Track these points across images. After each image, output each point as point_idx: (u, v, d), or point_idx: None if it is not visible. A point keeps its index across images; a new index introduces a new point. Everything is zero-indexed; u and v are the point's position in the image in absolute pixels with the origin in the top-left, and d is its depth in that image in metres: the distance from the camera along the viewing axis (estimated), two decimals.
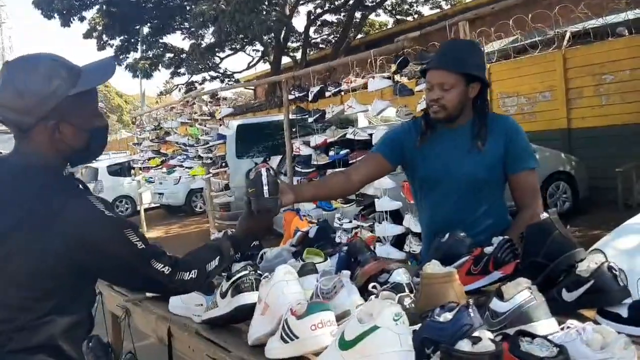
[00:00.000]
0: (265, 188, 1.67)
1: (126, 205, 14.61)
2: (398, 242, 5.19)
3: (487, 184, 2.20)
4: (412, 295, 1.47)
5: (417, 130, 2.28)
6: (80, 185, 1.41)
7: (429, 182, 2.28)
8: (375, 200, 5.23)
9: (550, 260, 1.62)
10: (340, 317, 1.44)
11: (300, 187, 2.29)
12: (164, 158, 9.60)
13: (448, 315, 1.19)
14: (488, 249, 1.81)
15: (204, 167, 8.14)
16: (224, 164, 8.01)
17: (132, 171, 11.37)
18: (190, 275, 1.47)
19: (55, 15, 16.71)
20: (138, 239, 1.37)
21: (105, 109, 44.59)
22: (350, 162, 5.80)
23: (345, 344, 1.18)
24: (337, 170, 2.18)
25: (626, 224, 3.50)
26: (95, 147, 1.47)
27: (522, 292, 1.31)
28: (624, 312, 1.43)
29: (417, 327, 1.28)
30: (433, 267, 1.53)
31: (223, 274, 1.78)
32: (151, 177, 10.14)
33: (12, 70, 1.34)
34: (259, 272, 1.69)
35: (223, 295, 1.66)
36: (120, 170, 14.38)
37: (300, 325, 1.31)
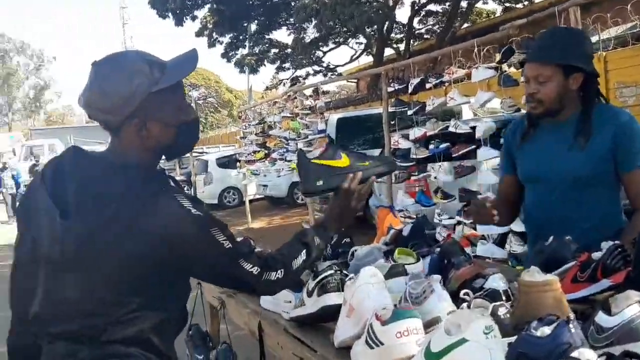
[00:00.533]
0: (301, 172, 1.66)
1: (233, 196, 15.17)
2: (502, 240, 4.97)
3: (592, 182, 2.02)
4: (508, 304, 1.36)
5: (522, 129, 2.18)
6: (172, 183, 1.43)
7: (529, 181, 2.18)
8: (478, 196, 5.03)
9: None
10: (429, 324, 1.37)
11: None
12: (267, 151, 9.83)
13: (546, 330, 1.08)
14: (596, 255, 1.65)
15: None
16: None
17: (238, 164, 11.75)
18: (277, 276, 1.45)
19: (170, 14, 17.62)
20: (225, 238, 1.36)
21: (216, 104, 46.63)
22: (453, 155, 5.64)
23: (431, 356, 1.11)
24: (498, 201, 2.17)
25: None
26: (185, 142, 1.47)
27: (632, 306, 1.17)
28: None
29: (512, 339, 1.19)
30: (532, 273, 1.41)
31: (311, 271, 1.75)
32: (256, 170, 10.44)
33: (98, 70, 1.36)
34: (344, 272, 1.65)
35: (310, 294, 1.64)
36: (229, 162, 14.91)
37: (385, 331, 1.25)
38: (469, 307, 1.31)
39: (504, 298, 1.47)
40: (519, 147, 2.17)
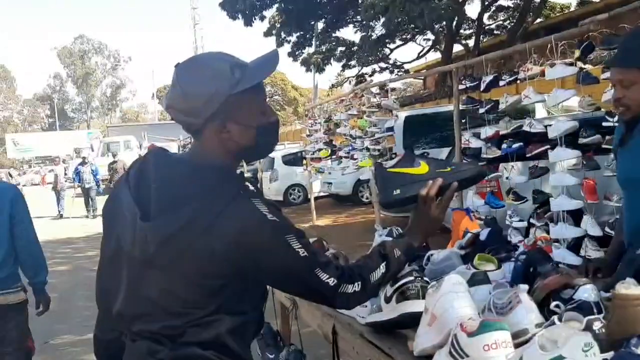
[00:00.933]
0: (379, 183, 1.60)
1: (298, 193, 15.30)
2: (576, 245, 4.75)
3: None
4: (601, 318, 1.28)
5: (620, 133, 2.11)
6: (251, 187, 1.43)
7: (624, 185, 2.11)
8: (551, 198, 4.84)
9: None
10: (515, 336, 1.31)
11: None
12: (333, 149, 9.84)
13: None
14: None
15: (371, 159, 8.18)
16: (392, 156, 7.98)
17: (304, 161, 11.83)
18: (354, 289, 1.39)
19: (239, 15, 17.93)
20: (301, 246, 1.33)
21: (281, 102, 47.20)
22: (527, 155, 5.44)
23: None
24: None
25: None
26: (265, 144, 1.46)
27: None
28: None
29: (608, 355, 1.12)
30: (628, 286, 1.32)
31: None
32: (321, 168, 10.48)
33: (181, 72, 1.37)
34: (425, 279, 1.60)
35: (387, 300, 1.60)
36: (294, 159, 15.05)
37: (472, 343, 1.20)
38: (560, 320, 1.24)
39: (595, 311, 1.39)
40: (618, 152, 2.12)
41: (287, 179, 15.07)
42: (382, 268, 1.45)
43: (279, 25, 18.93)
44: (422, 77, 21.68)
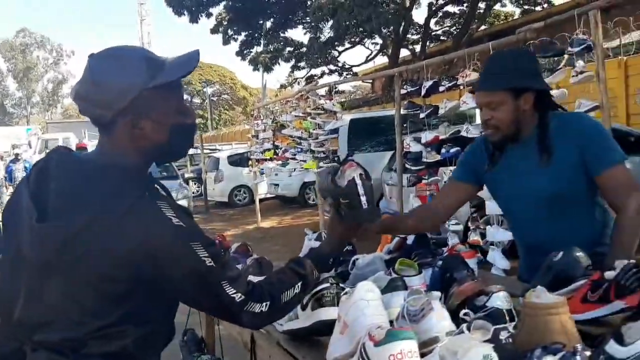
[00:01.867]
0: (363, 198, 1.47)
1: (244, 195, 15.14)
2: (512, 248, 4.86)
3: (570, 196, 1.99)
4: (512, 325, 1.27)
5: (487, 151, 2.15)
6: (160, 189, 1.36)
7: (508, 204, 2.18)
8: (486, 201, 4.93)
9: None
10: (427, 344, 1.28)
11: (393, 219, 2.28)
12: (278, 150, 9.78)
13: None
14: (609, 274, 1.56)
15: (315, 161, 8.16)
16: (335, 159, 7.98)
17: (249, 162, 11.72)
18: (261, 308, 1.31)
19: (185, 12, 17.64)
20: (208, 255, 1.25)
21: (230, 101, 46.75)
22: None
23: None
24: (423, 205, 2.26)
25: None
26: (179, 145, 1.39)
27: None
28: None
29: None
30: (539, 294, 1.32)
31: None
32: (266, 169, 10.39)
33: (94, 63, 1.30)
34: (341, 285, 1.56)
35: (303, 308, 1.56)
36: (240, 160, 14.88)
37: (378, 353, 1.17)
38: (468, 328, 1.22)
39: (507, 318, 1.38)
40: (489, 172, 2.14)
41: (232, 180, 14.89)
42: (297, 288, 1.39)
43: (226, 23, 18.71)
44: (370, 81, 21.89)
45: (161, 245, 1.22)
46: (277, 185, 13.15)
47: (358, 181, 1.49)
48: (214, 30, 19.20)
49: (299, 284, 1.40)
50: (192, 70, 1.38)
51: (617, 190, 1.94)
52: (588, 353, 1.07)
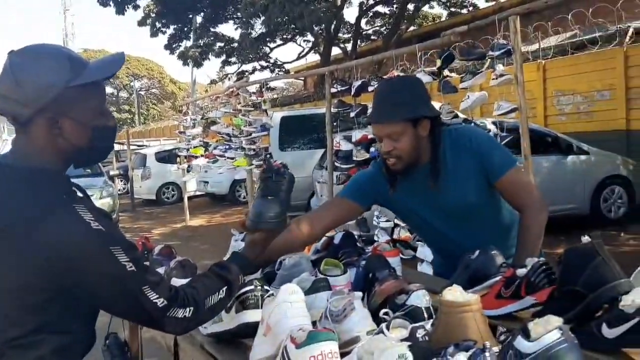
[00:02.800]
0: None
1: (172, 192, 14.84)
2: None
3: (475, 205, 2.08)
4: (427, 325, 1.32)
5: (385, 176, 2.14)
6: (78, 192, 1.31)
7: (415, 222, 2.26)
8: None
9: (590, 290, 1.44)
10: (349, 344, 1.31)
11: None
12: (207, 147, 9.63)
13: (462, 357, 1.04)
14: (521, 271, 1.64)
15: (246, 159, 8.10)
16: (266, 156, 7.95)
17: (178, 159, 11.48)
18: (184, 314, 1.28)
19: (111, 2, 17.04)
20: (128, 260, 1.22)
21: (159, 95, 45.61)
22: None
23: None
24: (300, 216, 2.08)
25: None
26: (99, 148, 1.36)
27: (551, 333, 1.14)
28: None
29: None
30: (454, 292, 1.37)
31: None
32: (195, 166, 10.22)
33: (14, 59, 1.25)
34: (266, 287, 1.57)
35: (227, 310, 1.55)
36: (168, 157, 14.56)
37: (299, 355, 1.18)
38: (388, 327, 1.25)
39: (426, 316, 1.43)
40: (391, 195, 2.14)
41: (160, 177, 14.56)
42: (221, 293, 1.37)
43: (154, 15, 18.22)
44: (303, 78, 21.94)
45: (80, 252, 1.18)
46: (206, 182, 12.97)
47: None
48: (141, 23, 18.65)
49: (224, 289, 1.38)
50: (115, 73, 1.36)
51: (516, 193, 2.05)
52: (496, 349, 1.12)
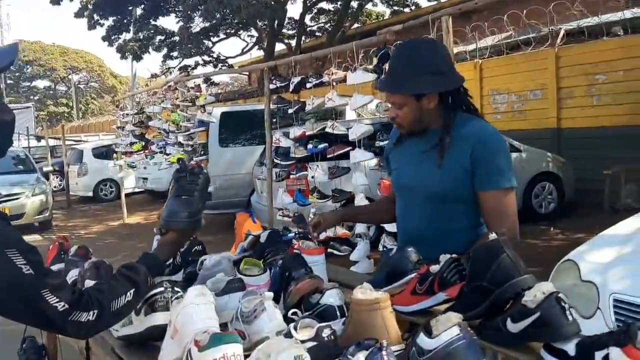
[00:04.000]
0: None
1: (110, 189, 14.43)
2: (377, 239, 5.11)
3: (453, 198, 1.98)
4: (334, 324, 1.32)
5: (397, 134, 2.16)
6: None
7: (397, 191, 2.20)
8: (356, 197, 5.09)
9: (496, 285, 1.48)
10: (258, 344, 1.30)
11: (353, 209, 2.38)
12: (145, 143, 9.42)
13: (360, 357, 1.05)
14: (434, 268, 1.67)
15: (184, 154, 7.97)
16: (203, 152, 7.85)
17: (115, 155, 11.17)
18: (87, 317, 1.24)
19: None
20: (26, 262, 1.17)
21: (99, 89, 44.25)
22: (328, 156, 5.67)
23: None
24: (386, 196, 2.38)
25: (602, 235, 3.37)
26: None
27: (450, 329, 1.16)
28: (571, 349, 1.29)
29: None
30: (364, 290, 1.38)
31: None
32: (133, 162, 9.97)
33: None
34: (176, 289, 1.53)
35: (137, 312, 1.51)
36: (106, 153, 14.17)
37: (201, 358, 1.16)
38: (295, 327, 1.25)
39: (338, 314, 1.43)
40: (392, 151, 2.21)
41: (97, 174, 14.13)
42: (129, 295, 1.33)
43: (91, 7, 17.61)
44: (247, 73, 21.74)
45: None
46: (145, 179, 12.66)
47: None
48: (78, 14, 17.99)
49: (132, 291, 1.34)
50: (8, 66, 1.29)
51: (492, 213, 1.94)
52: (398, 347, 1.13)
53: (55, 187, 15.06)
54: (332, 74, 5.43)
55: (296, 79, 5.82)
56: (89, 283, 1.84)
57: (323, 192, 5.76)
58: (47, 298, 1.19)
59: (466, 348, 1.15)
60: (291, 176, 5.99)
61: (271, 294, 1.40)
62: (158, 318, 1.46)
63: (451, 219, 2.01)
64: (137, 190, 13.57)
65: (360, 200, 4.97)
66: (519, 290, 1.42)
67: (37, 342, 2.41)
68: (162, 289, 1.50)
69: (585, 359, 1.26)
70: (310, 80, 5.78)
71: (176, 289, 1.52)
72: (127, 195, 11.30)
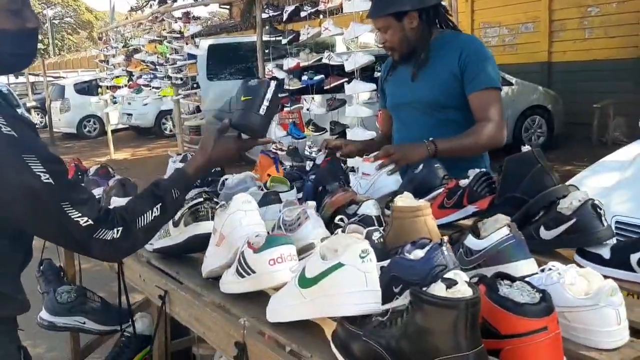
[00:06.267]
0: (265, 103, 1.36)
1: (94, 125, 14.21)
2: None
3: (447, 105, 2.12)
4: (381, 229, 1.34)
5: (391, 64, 2.31)
6: None
7: (393, 110, 2.34)
8: (347, 129, 5.08)
9: (529, 196, 1.51)
10: (304, 251, 1.32)
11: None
12: (131, 77, 9.21)
13: (419, 253, 1.07)
14: (463, 182, 1.70)
15: (173, 88, 7.83)
16: (194, 85, 7.71)
17: (99, 90, 10.92)
18: (112, 235, 1.15)
19: None
20: (45, 171, 1.07)
21: (74, 24, 42.78)
22: (325, 88, 5.61)
23: (305, 282, 1.06)
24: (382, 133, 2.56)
25: (602, 161, 3.44)
26: (17, 54, 1.20)
27: (500, 230, 1.19)
28: (605, 253, 1.34)
29: (385, 263, 1.17)
30: (405, 199, 1.40)
31: None
32: (118, 97, 9.78)
33: None
34: (215, 200, 1.54)
35: (176, 224, 1.52)
36: (88, 88, 13.87)
37: (257, 259, 1.18)
38: (343, 232, 1.27)
39: (376, 224, 1.45)
40: (386, 80, 2.33)
41: (80, 110, 13.86)
42: (155, 211, 1.24)
43: None
44: (228, 7, 21.12)
45: None
46: (130, 115, 12.48)
47: (271, 87, 1.39)
48: None
49: (158, 206, 1.25)
50: None
51: (482, 108, 2.07)
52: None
53: (37, 123, 14.76)
54: (328, 1, 5.30)
55: (290, 8, 5.69)
56: (116, 200, 1.84)
57: (319, 124, 5.74)
58: (69, 212, 1.10)
59: (516, 247, 1.18)
60: (285, 109, 5.94)
61: (314, 203, 1.41)
62: (200, 228, 1.47)
63: (447, 127, 2.11)
64: (120, 126, 13.38)
65: (357, 131, 4.97)
66: (553, 199, 1.45)
67: (54, 264, 2.42)
68: (201, 199, 1.50)
69: (620, 261, 1.31)
70: (304, 9, 5.65)
71: (215, 199, 1.53)
72: (111, 132, 11.12)
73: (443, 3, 4.12)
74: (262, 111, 1.37)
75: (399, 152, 1.97)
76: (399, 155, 1.95)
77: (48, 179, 1.08)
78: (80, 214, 1.11)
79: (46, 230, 1.16)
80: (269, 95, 1.38)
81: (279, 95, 1.41)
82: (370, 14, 2.20)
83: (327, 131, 5.64)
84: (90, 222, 1.12)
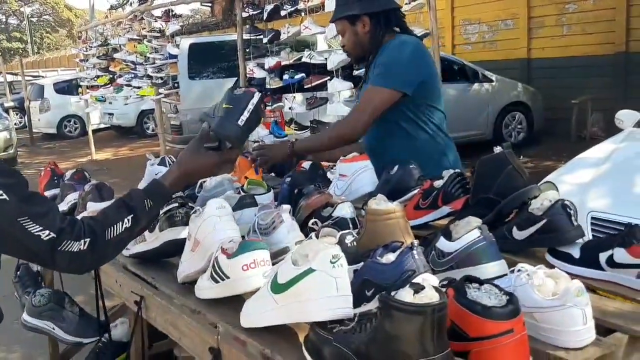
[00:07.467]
0: (246, 114, 1.33)
1: (75, 125, 14.06)
2: None
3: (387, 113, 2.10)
4: (355, 232, 1.36)
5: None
6: None
7: None
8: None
9: (502, 196, 1.53)
10: (278, 255, 1.33)
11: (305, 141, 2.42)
12: (112, 76, 9.12)
13: (391, 257, 1.08)
14: (438, 183, 1.72)
15: (153, 88, 7.77)
16: (175, 85, 7.67)
17: (80, 89, 10.80)
18: (79, 247, 1.10)
19: None
20: None
21: (53, 23, 42.24)
22: (305, 87, 5.61)
23: (278, 287, 1.06)
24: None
25: (579, 157, 3.48)
26: None
27: (471, 232, 1.21)
28: (575, 252, 1.37)
29: (357, 266, 1.18)
30: (378, 202, 1.42)
31: None
32: (101, 96, 9.68)
33: None
34: (190, 204, 1.54)
35: (151, 230, 1.51)
36: (68, 88, 13.69)
37: (231, 265, 1.19)
38: (317, 236, 1.28)
39: (351, 226, 1.47)
40: (363, 87, 2.32)
41: (60, 109, 13.71)
42: (126, 222, 1.19)
43: None
44: (209, 5, 21.00)
45: None
46: (111, 114, 12.37)
47: (254, 98, 1.37)
48: None
49: (129, 217, 1.20)
50: None
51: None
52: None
53: (15, 124, 14.57)
54: (308, 1, 5.30)
55: (270, 7, 5.66)
56: (92, 205, 1.83)
57: (301, 123, 5.74)
58: (27, 226, 1.06)
59: (487, 249, 1.20)
60: (267, 108, 5.93)
61: (288, 207, 1.42)
62: (175, 233, 1.47)
63: (391, 130, 2.16)
64: (102, 126, 13.25)
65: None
66: (525, 200, 1.47)
67: (31, 269, 2.40)
68: (176, 204, 1.50)
69: (590, 260, 1.34)
70: (284, 7, 5.63)
71: (190, 204, 1.53)
72: (92, 132, 11.01)
73: (421, 0, 4.20)
74: (240, 122, 1.35)
75: (269, 152, 2.12)
76: (267, 157, 2.10)
77: (2, 195, 1.04)
78: (40, 228, 1.07)
79: (7, 247, 1.11)
80: (250, 106, 1.36)
81: (262, 107, 1.38)
82: (332, 19, 2.27)
83: (309, 129, 5.64)
84: (52, 234, 1.08)
